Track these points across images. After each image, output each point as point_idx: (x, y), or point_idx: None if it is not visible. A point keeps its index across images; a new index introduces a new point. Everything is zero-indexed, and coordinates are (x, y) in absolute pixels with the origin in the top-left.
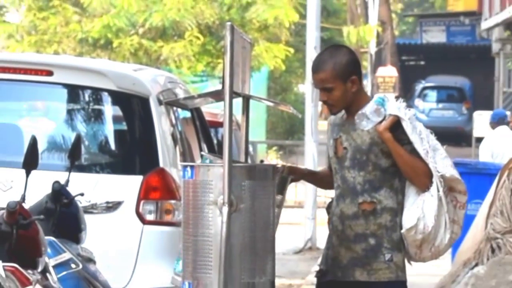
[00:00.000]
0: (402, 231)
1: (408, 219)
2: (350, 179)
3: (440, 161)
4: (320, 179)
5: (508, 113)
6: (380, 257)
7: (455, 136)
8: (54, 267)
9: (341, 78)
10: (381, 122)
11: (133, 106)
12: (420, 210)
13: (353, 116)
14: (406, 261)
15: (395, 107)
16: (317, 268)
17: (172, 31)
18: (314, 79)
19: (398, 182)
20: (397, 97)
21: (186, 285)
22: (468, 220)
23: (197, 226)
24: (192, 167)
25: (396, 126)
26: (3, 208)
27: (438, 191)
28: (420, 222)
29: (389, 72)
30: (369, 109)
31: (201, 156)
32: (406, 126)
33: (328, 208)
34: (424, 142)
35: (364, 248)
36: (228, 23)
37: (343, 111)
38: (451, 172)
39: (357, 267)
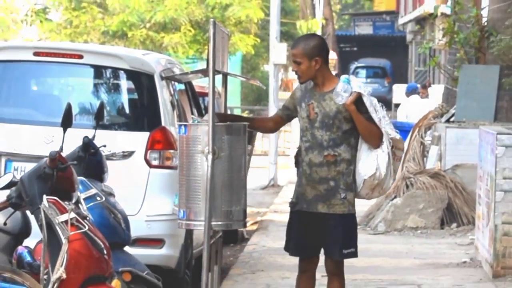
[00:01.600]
0: (365, 177)
1: (368, 169)
2: (318, 136)
3: (387, 125)
4: (263, 125)
5: (418, 85)
6: (337, 195)
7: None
8: (84, 199)
9: (308, 56)
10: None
11: (142, 80)
12: (376, 162)
13: (320, 88)
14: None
15: (357, 85)
16: (278, 200)
17: (171, 26)
18: (291, 53)
19: (354, 140)
20: (337, 74)
21: (181, 212)
22: None
23: (189, 169)
24: (185, 125)
25: (357, 99)
26: (46, 156)
27: (388, 148)
28: (377, 171)
29: (331, 56)
30: (340, 88)
31: (192, 118)
32: (366, 100)
33: (297, 156)
34: (378, 113)
35: (326, 188)
36: (212, 20)
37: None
38: (395, 134)
39: (319, 202)
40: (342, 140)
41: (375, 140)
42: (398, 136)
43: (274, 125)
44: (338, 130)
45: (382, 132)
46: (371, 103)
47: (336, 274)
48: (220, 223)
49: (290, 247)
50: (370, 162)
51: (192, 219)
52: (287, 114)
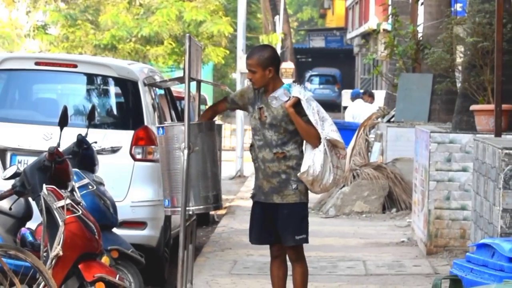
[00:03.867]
0: (298, 174)
1: (303, 166)
2: (268, 136)
3: (328, 127)
4: (215, 113)
5: (361, 91)
6: (289, 186)
7: (330, 106)
8: (78, 188)
9: (262, 66)
10: (287, 101)
11: (128, 87)
12: (311, 160)
13: (269, 94)
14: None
15: (298, 91)
16: (244, 189)
17: (154, 39)
18: (246, 63)
19: (301, 139)
20: (294, 81)
21: (166, 201)
22: None
23: (169, 164)
24: (163, 127)
25: (298, 103)
26: (46, 151)
27: (325, 147)
28: (310, 168)
29: (289, 65)
30: (278, 92)
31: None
32: (304, 104)
33: (251, 152)
34: (315, 115)
35: (278, 181)
36: (187, 35)
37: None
38: (333, 135)
39: (274, 193)
40: (289, 139)
41: (313, 139)
42: (334, 137)
43: (219, 111)
44: (285, 131)
45: (319, 133)
46: (308, 107)
47: (297, 260)
48: (201, 207)
49: (252, 237)
50: (306, 160)
51: (176, 205)
52: (233, 108)
